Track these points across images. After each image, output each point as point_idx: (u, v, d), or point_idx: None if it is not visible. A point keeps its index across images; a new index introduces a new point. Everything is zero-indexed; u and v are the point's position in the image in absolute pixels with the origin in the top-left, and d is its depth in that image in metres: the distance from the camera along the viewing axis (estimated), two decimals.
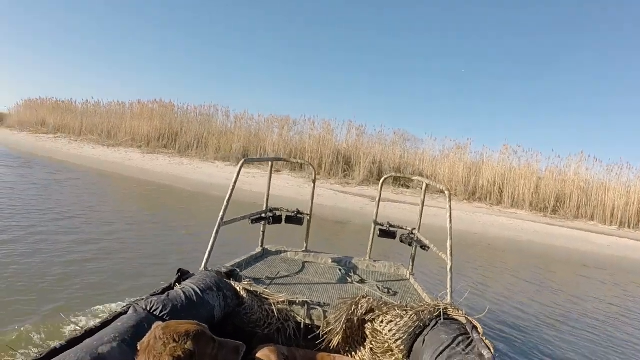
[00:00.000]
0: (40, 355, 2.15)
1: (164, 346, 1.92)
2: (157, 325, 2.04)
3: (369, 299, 3.57)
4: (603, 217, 24.00)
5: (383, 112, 65.37)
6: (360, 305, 3.52)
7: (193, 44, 72.21)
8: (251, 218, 5.28)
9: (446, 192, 4.42)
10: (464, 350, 2.84)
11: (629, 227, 23.53)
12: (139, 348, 1.99)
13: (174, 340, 1.96)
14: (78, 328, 2.64)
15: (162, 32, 73.20)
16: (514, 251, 16.62)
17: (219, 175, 23.94)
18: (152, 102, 33.85)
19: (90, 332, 2.48)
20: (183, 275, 3.64)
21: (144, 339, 2.01)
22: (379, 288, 4.58)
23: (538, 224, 21.67)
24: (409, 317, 3.32)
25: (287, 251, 5.64)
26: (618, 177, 25.22)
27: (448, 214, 4.19)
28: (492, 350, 2.75)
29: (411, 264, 5.44)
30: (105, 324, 2.60)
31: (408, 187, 24.94)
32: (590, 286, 12.87)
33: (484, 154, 27.13)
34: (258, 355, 3.14)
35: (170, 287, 3.40)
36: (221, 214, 4.17)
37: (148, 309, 2.88)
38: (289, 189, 20.15)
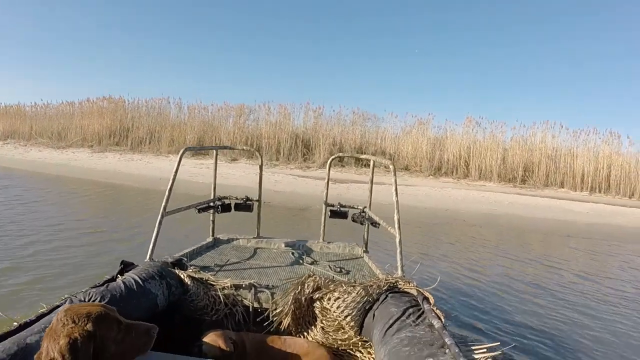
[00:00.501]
0: None
1: (63, 327, 1.87)
2: (62, 309, 1.98)
3: (315, 277, 3.52)
4: (573, 184, 23.57)
5: (341, 94, 64.44)
6: (307, 285, 3.48)
7: (137, 38, 70.32)
8: (198, 207, 5.22)
9: (391, 167, 4.25)
10: (414, 321, 2.77)
11: (599, 192, 23.17)
12: (46, 333, 1.92)
13: (73, 322, 1.89)
14: (15, 324, 2.45)
15: (104, 30, 71.10)
16: (492, 225, 15.58)
17: (170, 169, 22.47)
18: (102, 100, 32.34)
19: (24, 325, 2.42)
20: (126, 266, 3.54)
21: (52, 323, 1.94)
22: (331, 268, 4.53)
23: (509, 194, 20.93)
24: (357, 293, 3.28)
25: (238, 239, 5.55)
26: (585, 143, 24.79)
27: (394, 188, 4.06)
28: (443, 320, 2.68)
29: (364, 242, 5.40)
30: (40, 317, 2.52)
31: (368, 160, 24.01)
32: (583, 258, 11.97)
33: (447, 128, 26.45)
34: (205, 340, 3.10)
35: (112, 279, 3.29)
36: (163, 203, 4.16)
37: (85, 300, 2.79)
38: (245, 177, 18.99)
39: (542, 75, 57.15)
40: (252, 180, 17.62)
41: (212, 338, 3.11)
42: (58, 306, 2.66)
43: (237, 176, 18.38)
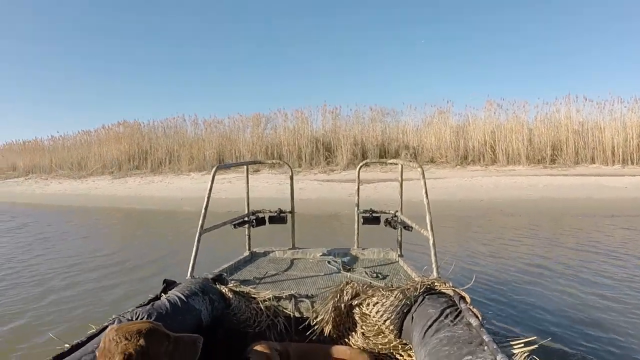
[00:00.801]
0: None
1: (117, 346, 1.92)
2: (111, 328, 2.03)
3: (353, 284, 3.54)
4: (604, 158, 22.73)
5: (356, 93, 63.88)
6: (345, 292, 3.50)
7: (141, 64, 70.56)
8: (233, 223, 5.33)
9: (419, 170, 4.33)
10: (452, 321, 2.81)
11: (632, 163, 22.29)
12: (97, 354, 1.99)
13: (126, 339, 1.95)
14: (67, 346, 2.51)
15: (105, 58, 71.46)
16: (531, 213, 14.64)
17: (191, 187, 22.60)
18: (117, 125, 32.38)
19: (77, 346, 2.53)
20: (169, 285, 3.65)
21: (101, 343, 2.01)
22: (367, 274, 4.56)
23: (541, 177, 20.14)
24: (395, 297, 3.30)
25: (274, 251, 5.64)
26: (611, 114, 23.81)
27: (424, 190, 4.10)
28: (480, 318, 2.72)
29: (398, 246, 5.32)
30: (90, 338, 2.61)
31: (396, 164, 23.53)
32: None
33: (468, 115, 25.67)
34: (254, 349, 3.18)
35: (157, 298, 3.39)
36: (200, 221, 4.28)
37: (133, 319, 2.85)
38: (268, 188, 18.64)
39: (555, 47, 56.03)
40: (275, 191, 17.21)
41: (257, 349, 3.19)
42: (107, 326, 2.62)
43: (261, 188, 17.97)
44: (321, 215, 14.70)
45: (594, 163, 22.68)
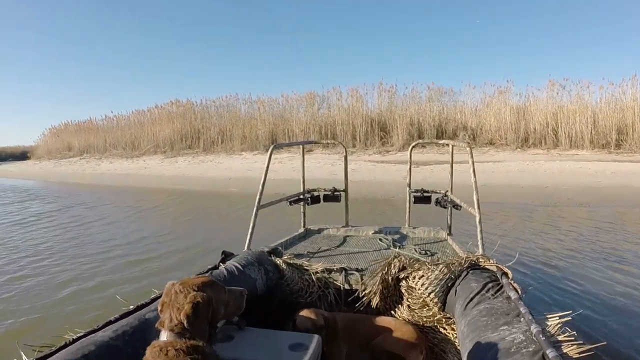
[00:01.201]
0: (97, 326, 2.47)
1: (185, 297, 2.13)
2: (173, 283, 2.23)
3: (401, 257, 3.68)
4: None
5: (413, 70, 62.73)
6: (393, 265, 3.63)
7: (201, 43, 70.96)
8: (289, 200, 5.59)
9: (467, 148, 4.47)
10: (493, 295, 2.91)
11: None
12: (160, 308, 2.17)
13: (193, 290, 2.17)
14: (132, 306, 2.76)
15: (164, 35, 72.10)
16: (602, 202, 13.26)
17: (241, 167, 22.51)
18: (170, 104, 32.63)
19: (142, 306, 2.77)
20: (227, 256, 3.85)
21: (162, 298, 2.20)
22: (416, 250, 4.71)
23: (607, 162, 18.95)
24: (440, 270, 3.41)
25: (328, 228, 5.84)
26: None
27: (471, 169, 4.22)
28: (520, 292, 2.82)
29: (448, 225, 5.54)
30: (155, 299, 2.82)
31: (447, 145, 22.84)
32: None
33: (529, 95, 24.51)
34: (299, 314, 3.39)
35: (215, 267, 3.62)
36: (258, 197, 4.52)
37: None
38: (320, 169, 18.25)
39: (620, 26, 53.71)
40: (327, 172, 16.74)
41: (305, 313, 3.41)
42: None
43: (312, 168, 16.88)
44: (374, 199, 14.16)
45: None
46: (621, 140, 21.93)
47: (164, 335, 2.10)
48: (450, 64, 57.11)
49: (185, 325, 2.07)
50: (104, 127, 37.92)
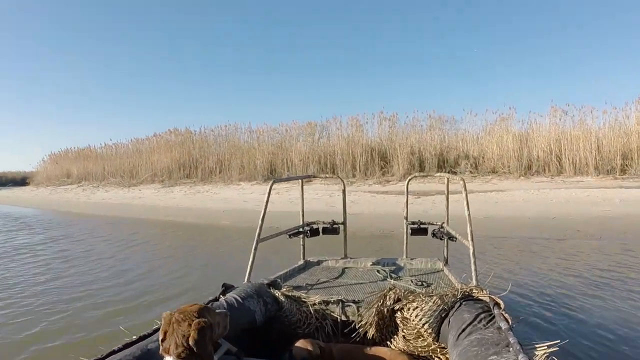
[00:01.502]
0: (101, 356, 2.50)
1: (189, 324, 2.25)
2: (170, 314, 2.33)
3: (396, 290, 3.79)
4: None
5: (413, 98, 62.44)
6: (388, 297, 3.73)
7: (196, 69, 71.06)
8: (289, 233, 5.70)
9: (461, 182, 4.61)
10: (484, 325, 2.96)
11: None
12: (162, 337, 2.28)
13: (195, 316, 2.30)
14: (134, 337, 2.83)
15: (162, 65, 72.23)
16: (614, 235, 12.20)
17: (237, 198, 21.98)
18: (168, 133, 32.40)
19: (144, 337, 2.83)
20: (227, 288, 3.97)
21: (161, 328, 2.31)
22: (412, 282, 4.79)
23: (613, 189, 18.39)
24: (434, 302, 3.49)
25: (327, 260, 5.94)
26: None
27: (465, 202, 4.30)
28: (510, 322, 2.87)
29: (444, 256, 5.67)
30: (156, 330, 2.80)
31: (455, 173, 22.36)
32: None
33: (531, 122, 24.11)
34: (295, 345, 3.45)
35: (216, 299, 3.72)
36: (257, 231, 4.63)
37: None
38: (318, 200, 17.70)
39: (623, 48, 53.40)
40: (325, 204, 16.21)
41: (301, 343, 3.46)
42: None
43: (310, 199, 16.10)
44: (373, 235, 13.31)
45: None
46: (626, 165, 21.51)
47: None
48: (451, 92, 56.85)
49: (195, 350, 2.21)
50: (102, 155, 37.68)
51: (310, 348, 3.43)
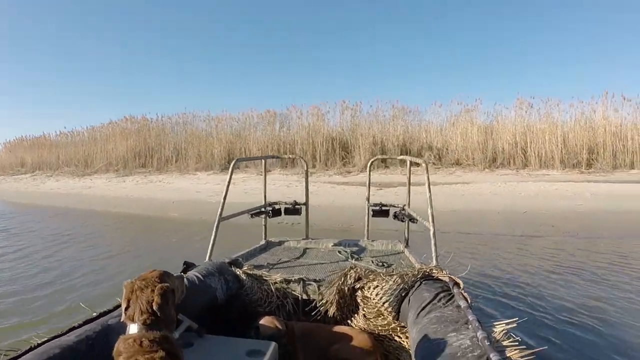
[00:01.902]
0: (61, 332, 2.57)
1: (152, 290, 2.26)
2: (132, 282, 2.33)
3: (357, 269, 3.84)
4: None
5: (378, 90, 61.51)
6: (349, 276, 3.78)
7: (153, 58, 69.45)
8: (251, 212, 5.77)
9: (423, 165, 4.68)
10: (444, 304, 3.02)
11: None
12: (125, 305, 2.26)
13: (156, 282, 2.32)
14: (94, 313, 2.87)
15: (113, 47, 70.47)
16: (590, 231, 11.47)
17: (191, 188, 20.90)
18: (124, 120, 30.96)
19: (104, 313, 2.85)
20: (188, 266, 3.98)
21: (124, 297, 2.29)
22: (373, 262, 4.84)
23: (579, 183, 17.94)
24: (394, 281, 3.54)
25: (289, 240, 6.03)
26: None
27: (426, 184, 4.39)
28: (469, 301, 2.94)
29: (405, 237, 5.74)
30: (117, 307, 2.83)
31: (418, 165, 21.66)
32: None
33: (497, 114, 23.57)
34: (261, 322, 3.50)
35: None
36: (219, 210, 4.70)
37: None
38: (275, 191, 16.61)
39: (592, 45, 53.32)
40: (282, 194, 15.17)
41: (267, 320, 3.54)
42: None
43: (268, 190, 15.50)
44: (331, 228, 12.40)
45: (634, 169, 20.55)
46: (592, 159, 21.32)
47: (134, 329, 2.19)
48: (417, 83, 56.00)
49: (159, 314, 2.22)
50: (57, 143, 35.97)
51: (276, 324, 3.48)
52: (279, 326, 3.47)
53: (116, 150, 29.43)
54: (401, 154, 22.19)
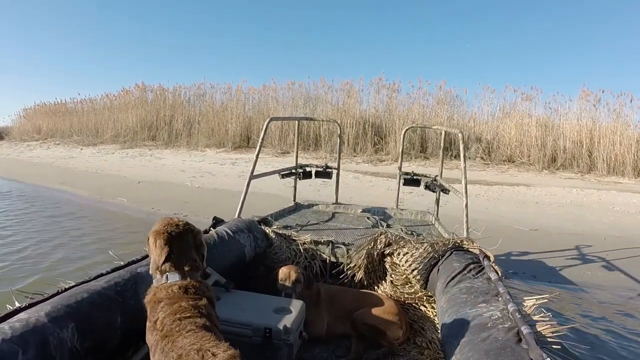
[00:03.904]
0: (89, 278, 2.68)
1: (194, 238, 2.40)
2: (163, 230, 2.34)
3: (387, 234, 3.88)
4: None
5: (418, 68, 57.05)
6: (379, 241, 3.83)
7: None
8: (282, 173, 5.92)
9: (459, 135, 4.83)
10: (474, 275, 3.06)
11: None
12: (162, 255, 2.26)
13: (192, 230, 2.42)
14: (122, 262, 2.96)
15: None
16: None
17: (177, 167, 18.00)
18: (137, 87, 28.43)
19: (132, 262, 3.00)
20: (218, 222, 4.06)
21: (157, 246, 2.29)
22: (402, 230, 4.68)
23: None
24: (424, 249, 3.61)
25: (318, 204, 6.17)
26: None
27: (462, 155, 4.55)
28: (500, 274, 2.99)
29: (436, 208, 5.81)
30: (145, 257, 3.03)
31: (458, 158, 18.36)
32: None
33: (559, 106, 19.83)
34: (279, 272, 3.61)
35: (206, 232, 3.77)
36: (252, 167, 4.86)
37: None
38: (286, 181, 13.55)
39: None
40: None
41: (284, 270, 3.61)
42: None
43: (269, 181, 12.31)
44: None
45: None
46: None
47: (173, 277, 2.22)
48: (463, 64, 51.45)
49: (199, 262, 2.36)
50: (72, 110, 34.16)
51: (294, 272, 3.56)
52: (298, 275, 3.54)
53: (127, 120, 27.05)
54: (444, 145, 18.77)
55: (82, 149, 25.11)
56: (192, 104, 25.95)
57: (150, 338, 2.07)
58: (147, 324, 2.12)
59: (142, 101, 27.51)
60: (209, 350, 1.84)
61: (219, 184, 12.85)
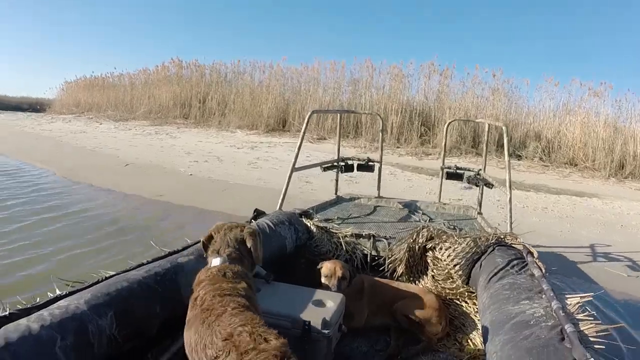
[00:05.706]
0: (130, 267, 2.72)
1: (241, 230, 2.52)
2: (223, 224, 2.56)
3: (429, 228, 3.77)
4: None
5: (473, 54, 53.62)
6: (421, 235, 3.74)
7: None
8: (324, 166, 5.96)
9: (503, 128, 4.70)
10: (517, 271, 2.97)
11: None
12: (205, 239, 2.53)
13: (244, 227, 2.56)
14: (165, 250, 3.03)
15: None
16: None
17: (185, 148, 16.67)
18: (172, 62, 27.43)
19: (174, 252, 3.03)
20: (259, 214, 4.11)
21: (211, 231, 2.53)
22: (444, 224, 4.60)
23: None
24: (466, 244, 3.51)
25: (360, 197, 6.11)
26: None
27: (505, 148, 4.49)
28: (543, 270, 2.88)
29: (478, 203, 5.68)
30: (186, 247, 3.13)
31: (520, 158, 16.39)
32: None
33: (629, 105, 17.42)
34: (323, 266, 3.54)
35: (248, 223, 3.66)
36: (293, 160, 4.78)
37: None
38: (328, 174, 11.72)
39: None
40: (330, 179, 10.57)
41: (327, 265, 3.54)
42: (198, 241, 2.80)
43: (317, 161, 10.14)
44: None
45: None
46: None
47: (216, 262, 2.35)
48: (523, 52, 47.94)
49: (241, 251, 2.45)
50: (110, 85, 33.72)
51: (339, 267, 3.48)
52: (343, 271, 3.47)
53: (161, 97, 26.16)
54: (499, 142, 16.73)
55: (100, 124, 24.47)
56: (229, 82, 24.74)
57: (190, 314, 2.10)
58: (189, 304, 2.15)
59: (178, 77, 26.60)
60: (261, 335, 1.83)
61: (218, 173, 11.29)
